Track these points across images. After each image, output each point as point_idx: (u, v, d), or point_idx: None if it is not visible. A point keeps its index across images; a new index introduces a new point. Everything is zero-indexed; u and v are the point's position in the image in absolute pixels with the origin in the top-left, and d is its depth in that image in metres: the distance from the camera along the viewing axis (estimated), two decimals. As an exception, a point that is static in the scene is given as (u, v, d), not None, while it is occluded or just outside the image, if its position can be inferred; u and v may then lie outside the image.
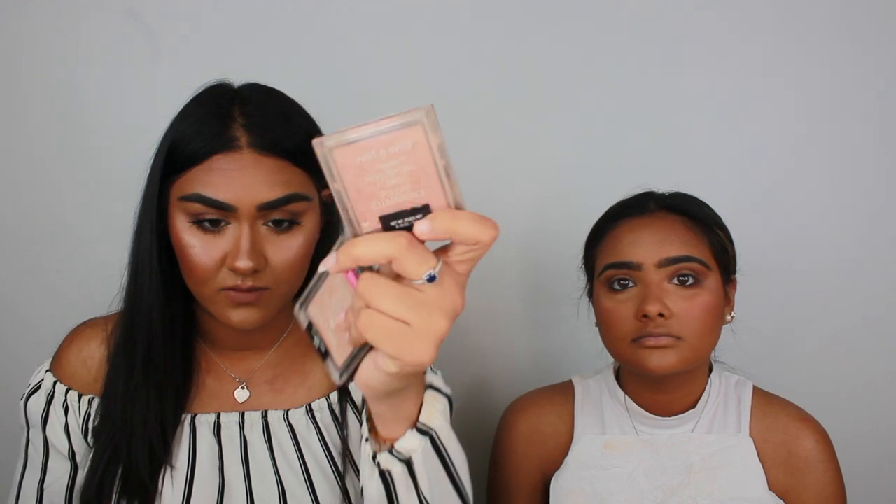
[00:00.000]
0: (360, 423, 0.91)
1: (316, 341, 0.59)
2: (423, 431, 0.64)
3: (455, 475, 0.68)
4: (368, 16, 1.28)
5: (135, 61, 1.29)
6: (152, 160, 0.87)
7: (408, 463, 0.64)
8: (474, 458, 1.30)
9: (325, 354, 0.59)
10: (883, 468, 1.34)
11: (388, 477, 0.64)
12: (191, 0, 1.28)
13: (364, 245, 0.50)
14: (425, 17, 1.29)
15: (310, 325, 0.60)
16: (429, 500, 0.66)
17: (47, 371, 0.95)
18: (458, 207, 0.50)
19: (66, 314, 1.00)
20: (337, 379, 0.58)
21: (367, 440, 0.66)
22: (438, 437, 0.64)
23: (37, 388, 0.94)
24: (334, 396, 0.93)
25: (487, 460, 1.15)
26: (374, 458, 0.65)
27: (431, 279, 0.51)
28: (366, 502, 0.68)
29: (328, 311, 0.59)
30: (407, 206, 0.50)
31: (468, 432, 1.38)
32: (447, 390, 0.69)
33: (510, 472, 1.12)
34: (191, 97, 0.88)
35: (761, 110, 1.30)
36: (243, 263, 0.80)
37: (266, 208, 0.81)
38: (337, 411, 0.92)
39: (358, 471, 0.89)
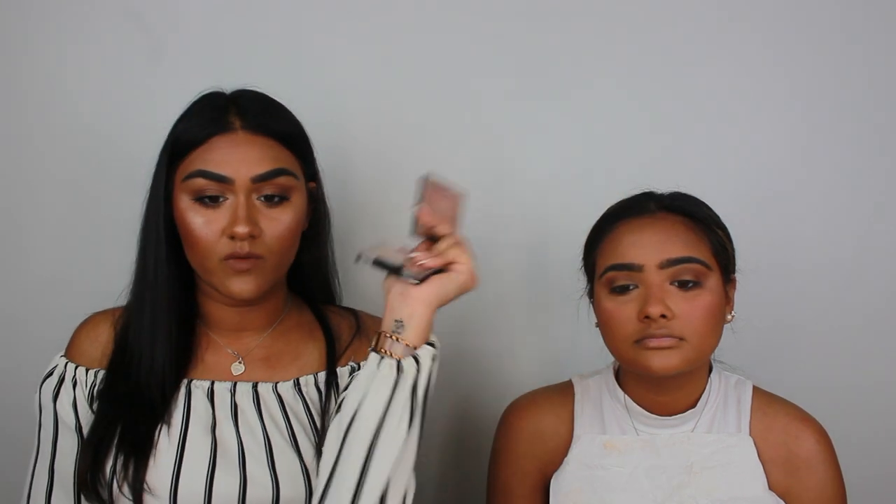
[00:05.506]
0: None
1: (389, 262, 0.86)
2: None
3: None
4: (371, 20, 1.29)
5: (134, 62, 1.28)
6: (158, 158, 0.98)
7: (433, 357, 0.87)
8: (474, 458, 1.31)
9: (396, 270, 0.85)
10: (884, 468, 1.34)
11: (410, 365, 0.84)
12: (191, 1, 1.28)
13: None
14: (422, 22, 1.29)
15: (378, 261, 0.86)
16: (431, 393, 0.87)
17: (61, 356, 1.03)
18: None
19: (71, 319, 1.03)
20: (415, 281, 0.85)
21: (384, 352, 0.85)
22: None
23: (50, 374, 1.01)
24: (322, 376, 1.02)
25: (487, 460, 1.15)
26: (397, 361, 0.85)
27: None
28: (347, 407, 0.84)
29: (389, 254, 0.87)
30: None
31: (468, 432, 1.38)
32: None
33: (510, 472, 1.12)
34: (187, 105, 0.99)
35: (761, 110, 1.30)
36: (241, 228, 0.92)
37: (259, 180, 0.94)
38: (321, 387, 1.02)
39: None
